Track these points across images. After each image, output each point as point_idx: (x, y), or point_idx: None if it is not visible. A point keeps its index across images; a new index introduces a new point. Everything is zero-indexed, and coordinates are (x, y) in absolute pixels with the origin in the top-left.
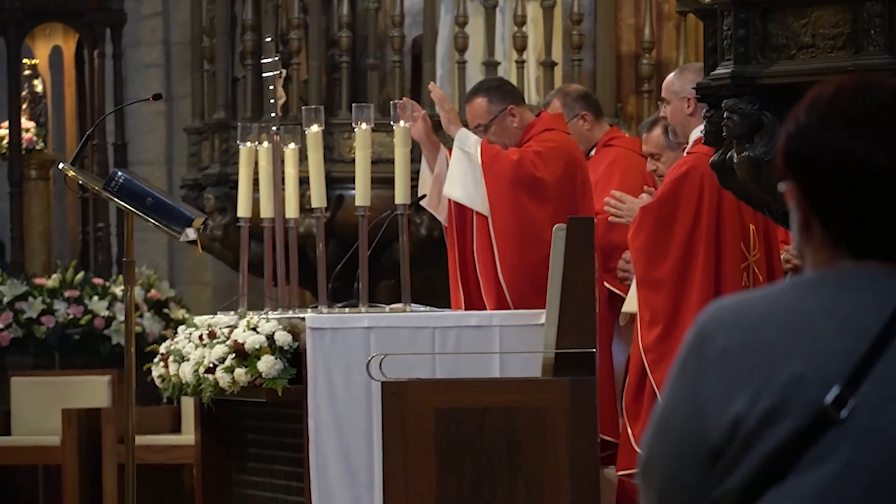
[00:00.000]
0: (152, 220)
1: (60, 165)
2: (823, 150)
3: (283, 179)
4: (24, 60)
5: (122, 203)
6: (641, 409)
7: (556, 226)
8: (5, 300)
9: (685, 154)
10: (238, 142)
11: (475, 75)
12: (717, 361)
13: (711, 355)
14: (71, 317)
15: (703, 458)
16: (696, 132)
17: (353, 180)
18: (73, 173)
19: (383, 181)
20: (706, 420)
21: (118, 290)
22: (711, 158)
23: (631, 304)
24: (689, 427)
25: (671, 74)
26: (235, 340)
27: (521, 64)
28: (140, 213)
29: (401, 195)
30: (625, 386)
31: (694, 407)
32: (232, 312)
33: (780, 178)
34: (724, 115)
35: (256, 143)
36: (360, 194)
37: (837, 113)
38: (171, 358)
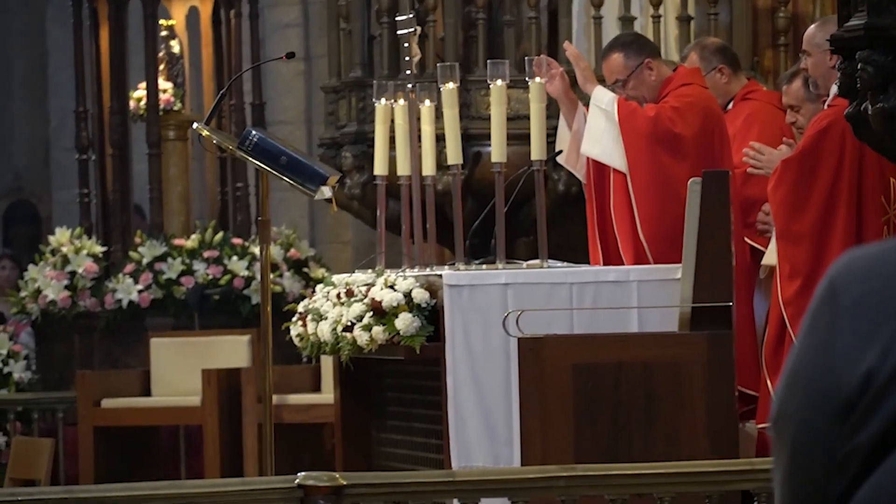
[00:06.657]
0: (287, 179)
1: (195, 125)
2: None
3: (419, 137)
4: (161, 21)
5: (257, 162)
6: (781, 363)
7: (691, 179)
8: (145, 261)
9: (826, 107)
10: (374, 100)
11: (611, 31)
12: (849, 313)
13: (843, 307)
14: (210, 277)
15: (836, 412)
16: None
17: (489, 137)
18: (207, 133)
19: (520, 137)
20: (838, 373)
21: (257, 250)
22: (846, 110)
23: (771, 257)
24: (821, 380)
25: (812, 26)
26: (373, 298)
27: (656, 19)
28: (274, 172)
29: (537, 151)
30: (764, 339)
31: (825, 360)
32: (370, 270)
33: None
34: (858, 67)
35: (393, 100)
36: (497, 151)
37: None
38: (309, 317)
